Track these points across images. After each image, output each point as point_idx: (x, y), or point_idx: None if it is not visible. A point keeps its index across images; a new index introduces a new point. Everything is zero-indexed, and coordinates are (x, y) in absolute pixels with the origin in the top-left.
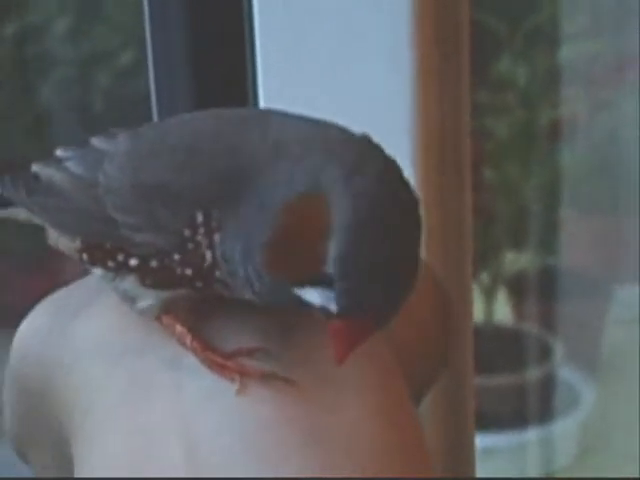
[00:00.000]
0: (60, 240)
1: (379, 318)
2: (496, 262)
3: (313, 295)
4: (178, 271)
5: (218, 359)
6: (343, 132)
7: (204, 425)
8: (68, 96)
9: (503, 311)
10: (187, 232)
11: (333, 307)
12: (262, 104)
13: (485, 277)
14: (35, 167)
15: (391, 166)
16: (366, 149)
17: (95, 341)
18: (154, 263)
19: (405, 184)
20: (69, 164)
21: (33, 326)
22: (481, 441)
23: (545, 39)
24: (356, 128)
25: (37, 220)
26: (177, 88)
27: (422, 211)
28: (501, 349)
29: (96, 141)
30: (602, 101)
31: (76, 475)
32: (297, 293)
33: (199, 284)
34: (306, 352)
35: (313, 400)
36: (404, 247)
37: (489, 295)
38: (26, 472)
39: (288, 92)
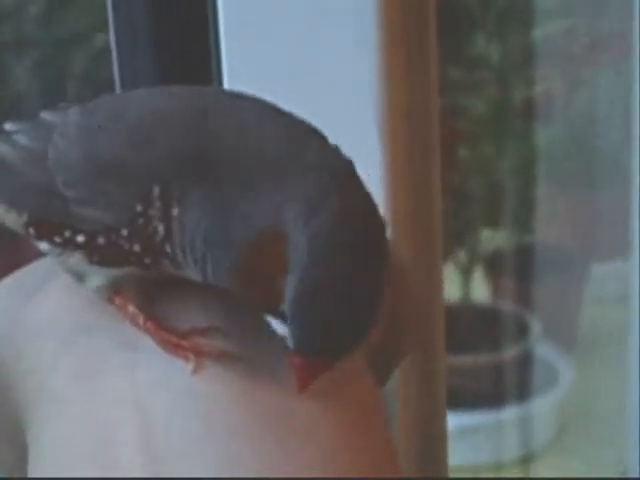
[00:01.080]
0: (7, 215)
1: (334, 357)
2: (472, 241)
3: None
4: (126, 247)
5: (172, 338)
6: (318, 150)
7: (159, 406)
8: (41, 79)
9: (480, 290)
10: (139, 207)
11: (289, 342)
12: (226, 81)
13: (462, 256)
14: None
15: (357, 200)
16: (336, 179)
17: (47, 322)
18: (101, 240)
19: (369, 219)
20: (17, 137)
21: None
22: (458, 420)
23: (519, 17)
24: (320, 108)
25: None
26: (140, 71)
27: (387, 238)
28: (478, 328)
29: (46, 114)
30: (577, 79)
31: (29, 465)
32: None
33: (147, 260)
34: (260, 330)
35: (269, 379)
36: (361, 289)
37: (466, 274)
38: None
39: (252, 74)
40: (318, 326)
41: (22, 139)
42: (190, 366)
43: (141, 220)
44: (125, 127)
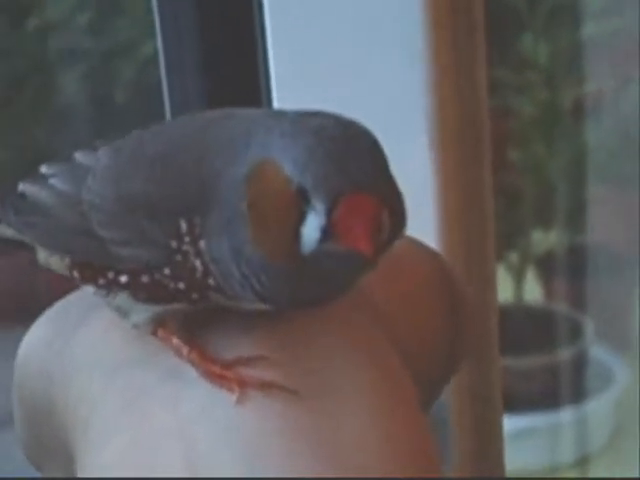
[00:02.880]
0: (50, 259)
1: (367, 188)
2: (524, 242)
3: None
4: (171, 285)
5: (216, 369)
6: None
7: (203, 437)
8: (90, 89)
9: (533, 291)
10: (174, 243)
11: (320, 219)
12: (275, 91)
13: (514, 257)
14: (22, 186)
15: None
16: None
17: (94, 354)
18: (145, 278)
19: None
20: (53, 181)
21: (35, 338)
22: (514, 423)
23: (567, 16)
24: (371, 108)
25: (26, 241)
26: (188, 81)
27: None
28: (531, 329)
29: (79, 156)
30: (626, 77)
31: None
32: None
33: (195, 296)
34: (307, 360)
35: (315, 408)
36: (358, 136)
37: (518, 275)
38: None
39: (300, 82)
40: (336, 163)
41: (58, 183)
42: (234, 397)
43: (179, 257)
44: (144, 163)
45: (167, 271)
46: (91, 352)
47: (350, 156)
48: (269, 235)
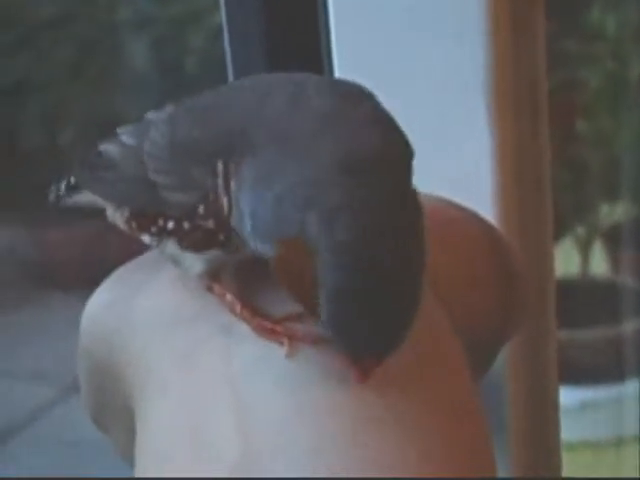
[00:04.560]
0: (115, 215)
1: (380, 356)
2: (591, 215)
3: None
4: (203, 225)
5: (267, 324)
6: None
7: (254, 389)
8: (160, 57)
9: (599, 264)
10: (209, 181)
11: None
12: (336, 62)
13: (581, 230)
14: (99, 146)
15: (384, 193)
16: (363, 177)
17: (153, 313)
18: (186, 224)
19: (397, 208)
20: (123, 137)
21: (98, 302)
22: (578, 395)
23: None
24: (429, 84)
25: (97, 201)
26: (251, 51)
27: (423, 226)
28: (598, 302)
29: (150, 114)
30: None
31: (136, 447)
32: None
33: (221, 237)
34: None
35: None
36: (395, 291)
37: (585, 248)
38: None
39: (359, 38)
40: (358, 337)
41: (126, 139)
42: (284, 350)
43: (211, 196)
44: (196, 113)
45: (201, 209)
46: (150, 312)
47: (385, 317)
48: (285, 279)
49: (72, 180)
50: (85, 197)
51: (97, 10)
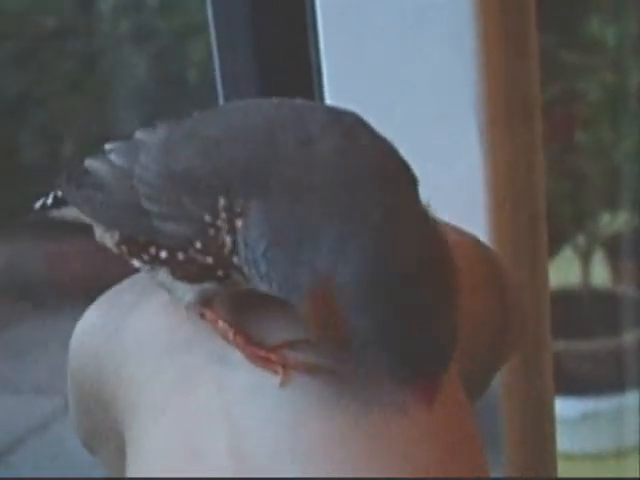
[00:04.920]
0: (104, 236)
1: (432, 377)
2: (592, 224)
3: None
4: (200, 260)
5: (261, 352)
6: (379, 186)
7: (248, 418)
8: (161, 69)
9: (600, 273)
10: (207, 217)
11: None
12: (326, 76)
13: (581, 240)
14: (86, 162)
15: (413, 247)
16: (390, 225)
17: (145, 336)
18: (180, 255)
19: (416, 232)
20: (112, 156)
21: (87, 324)
22: (579, 406)
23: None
24: (419, 101)
25: (84, 218)
26: (241, 75)
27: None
28: (598, 312)
29: (139, 133)
30: None
31: (127, 468)
32: None
33: (220, 273)
34: None
35: (359, 391)
36: (423, 316)
37: (585, 258)
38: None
39: (349, 50)
40: (410, 364)
41: (115, 158)
42: (278, 379)
43: (211, 231)
44: (197, 141)
45: (198, 245)
46: (140, 337)
47: (426, 341)
48: (315, 326)
49: (59, 193)
50: (72, 212)
51: (98, 23)
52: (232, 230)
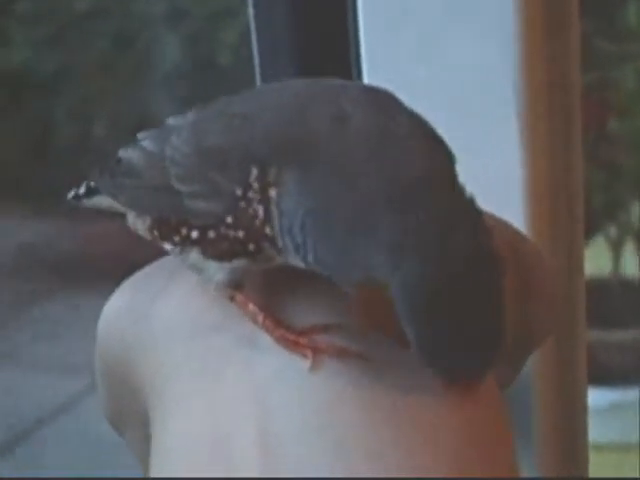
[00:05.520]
0: (137, 222)
1: (475, 379)
2: (623, 214)
3: None
4: (231, 235)
5: (291, 336)
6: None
7: (277, 400)
8: (193, 52)
9: (631, 264)
10: (239, 191)
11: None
12: (365, 64)
13: (612, 230)
14: (120, 152)
15: (446, 214)
16: (432, 215)
17: (173, 321)
18: (211, 233)
19: (466, 230)
20: (144, 143)
21: (115, 308)
22: (607, 396)
23: None
24: (458, 92)
25: (117, 206)
26: (280, 53)
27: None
28: (629, 302)
29: (171, 119)
30: None
31: (152, 455)
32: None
33: (251, 246)
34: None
35: (389, 376)
36: (476, 316)
37: (616, 248)
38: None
39: (389, 40)
40: (448, 364)
41: (148, 144)
42: (308, 363)
43: (242, 204)
44: (226, 118)
45: (229, 219)
46: (169, 320)
47: (473, 342)
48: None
49: (92, 183)
50: (105, 201)
51: (131, 5)
52: (265, 199)
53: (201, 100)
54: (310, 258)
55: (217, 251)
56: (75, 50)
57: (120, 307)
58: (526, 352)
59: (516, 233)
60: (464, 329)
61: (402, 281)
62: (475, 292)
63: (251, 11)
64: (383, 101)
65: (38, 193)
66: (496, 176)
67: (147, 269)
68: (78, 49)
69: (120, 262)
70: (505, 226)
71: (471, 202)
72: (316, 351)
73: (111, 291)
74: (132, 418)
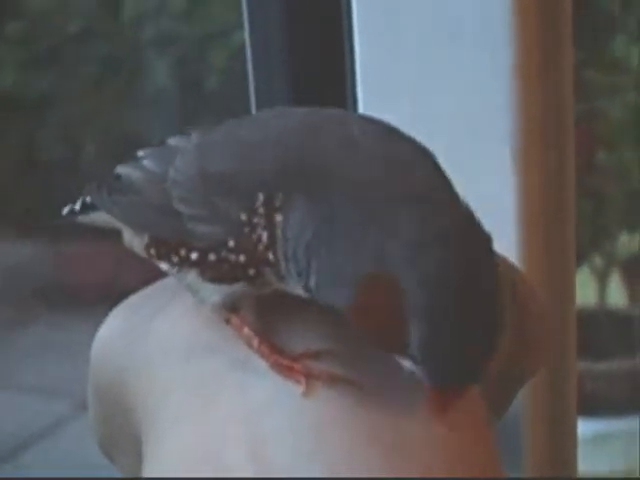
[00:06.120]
0: (133, 240)
1: (464, 385)
2: (609, 245)
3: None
4: (232, 259)
5: (285, 361)
6: (426, 183)
7: (269, 426)
8: (182, 76)
9: (617, 294)
10: (244, 216)
11: (420, 378)
12: (360, 84)
13: (598, 260)
14: (118, 168)
15: (459, 222)
16: (435, 203)
17: (168, 341)
18: (212, 256)
19: (473, 238)
20: (145, 162)
21: (110, 329)
22: (593, 426)
23: None
24: (453, 118)
25: (114, 222)
26: (274, 74)
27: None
28: (615, 333)
29: (172, 140)
30: None
31: (143, 473)
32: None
33: (251, 271)
34: (374, 358)
35: (380, 403)
36: (481, 318)
37: (602, 278)
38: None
39: (384, 57)
40: (447, 364)
41: (149, 164)
42: (301, 388)
43: (246, 229)
44: (235, 143)
45: (231, 243)
46: (163, 341)
47: (474, 344)
48: (365, 322)
49: (88, 199)
50: (101, 217)
51: (121, 27)
52: (270, 224)
53: (189, 122)
54: (312, 282)
55: (216, 274)
56: (64, 72)
57: (114, 330)
58: (517, 384)
59: (513, 267)
60: (468, 332)
61: (421, 274)
62: (483, 297)
63: (247, 34)
64: (387, 129)
65: (21, 215)
66: (489, 203)
67: (144, 291)
68: (67, 71)
69: (105, 285)
70: (503, 259)
71: (478, 221)
72: (309, 377)
73: (96, 314)
74: (124, 441)
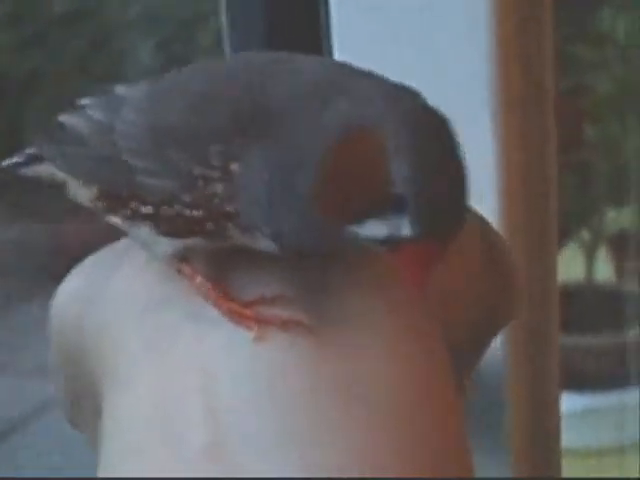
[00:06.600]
0: (78, 191)
1: (448, 236)
2: (597, 220)
3: (369, 228)
4: (188, 214)
5: (236, 307)
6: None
7: (223, 373)
8: (168, 56)
9: (604, 270)
10: (197, 169)
11: (405, 232)
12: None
13: (586, 235)
14: (61, 117)
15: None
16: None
17: (123, 298)
18: (165, 209)
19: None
20: (90, 111)
21: (67, 291)
22: (581, 401)
23: None
24: (430, 87)
25: (58, 176)
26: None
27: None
28: (602, 308)
29: (120, 89)
30: None
31: (102, 430)
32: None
33: (210, 226)
34: (328, 296)
35: (333, 346)
36: (458, 161)
37: (590, 254)
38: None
39: (360, 31)
40: (438, 201)
41: (94, 113)
42: (252, 334)
43: (200, 182)
44: (185, 94)
45: (186, 198)
46: (120, 297)
47: (456, 185)
48: (338, 200)
49: (31, 151)
50: (46, 170)
51: (107, 8)
52: (227, 175)
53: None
54: (279, 226)
55: (171, 228)
56: (50, 53)
57: (72, 290)
58: (489, 333)
59: (486, 222)
60: (449, 174)
61: (403, 113)
62: (455, 144)
63: (225, 16)
64: (341, 64)
65: (14, 194)
66: (470, 177)
67: (101, 251)
68: (53, 52)
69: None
70: (476, 215)
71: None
72: (261, 323)
73: None
74: (88, 406)
